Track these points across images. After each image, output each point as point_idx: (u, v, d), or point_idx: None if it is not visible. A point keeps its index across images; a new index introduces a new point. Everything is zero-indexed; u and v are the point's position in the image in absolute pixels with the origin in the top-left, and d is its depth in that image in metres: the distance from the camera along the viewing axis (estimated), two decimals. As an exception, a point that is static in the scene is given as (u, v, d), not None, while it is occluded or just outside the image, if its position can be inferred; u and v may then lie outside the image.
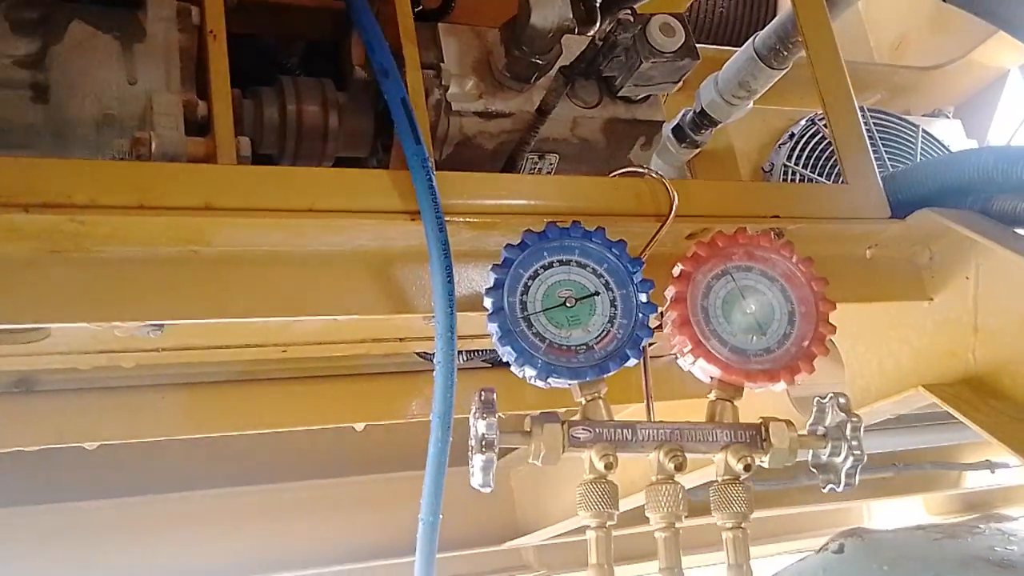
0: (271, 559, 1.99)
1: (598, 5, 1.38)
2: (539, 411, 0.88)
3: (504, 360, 0.91)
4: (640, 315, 0.91)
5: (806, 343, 0.93)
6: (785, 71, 2.05)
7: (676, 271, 0.94)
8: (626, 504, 0.98)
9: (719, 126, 2.30)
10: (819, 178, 2.50)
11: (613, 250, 0.93)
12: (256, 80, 1.20)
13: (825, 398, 0.94)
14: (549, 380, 0.88)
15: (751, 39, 2.09)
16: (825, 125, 2.46)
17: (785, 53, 2.02)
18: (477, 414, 0.85)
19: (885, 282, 1.20)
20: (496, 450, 0.84)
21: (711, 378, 0.92)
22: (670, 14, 1.16)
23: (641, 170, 1.04)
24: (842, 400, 0.92)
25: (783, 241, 0.98)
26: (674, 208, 1.02)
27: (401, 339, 1.24)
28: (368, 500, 2.01)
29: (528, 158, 1.20)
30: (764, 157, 2.59)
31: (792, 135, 2.51)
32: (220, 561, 1.95)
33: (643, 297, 0.92)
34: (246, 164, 0.97)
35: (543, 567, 2.34)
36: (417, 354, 1.39)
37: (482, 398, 0.85)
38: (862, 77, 2.71)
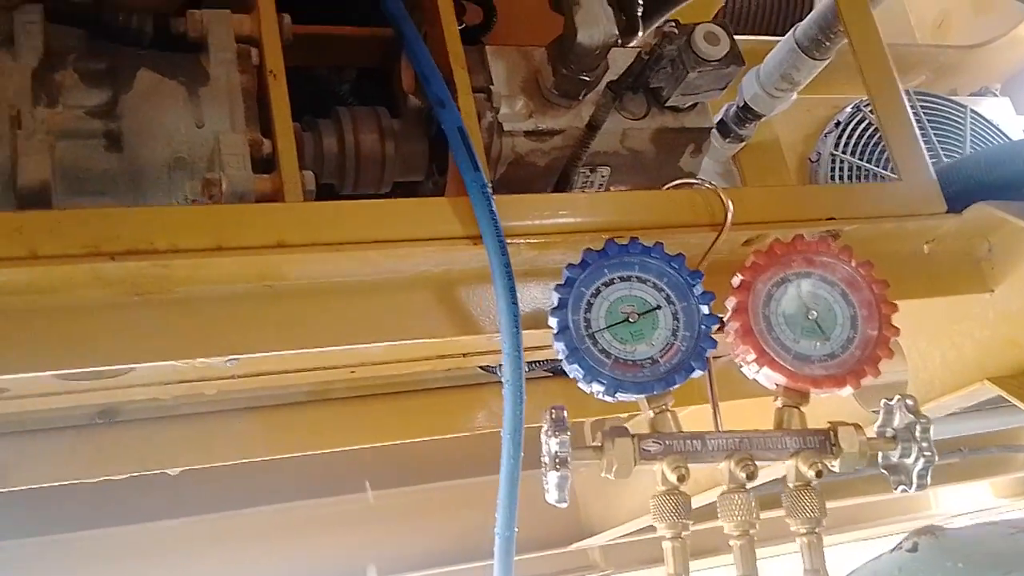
0: (348, 567, 2.04)
1: (639, 15, 1.40)
2: (603, 419, 0.91)
3: (571, 376, 0.93)
4: (702, 326, 0.93)
5: (870, 346, 0.93)
6: (828, 61, 2.04)
7: (736, 281, 0.96)
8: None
9: (763, 119, 2.30)
10: (868, 165, 2.49)
11: (672, 264, 0.95)
12: (309, 109, 1.23)
13: (892, 400, 0.94)
14: (617, 395, 0.90)
15: (792, 30, 2.09)
16: (871, 111, 2.45)
17: (827, 43, 2.01)
18: (549, 432, 0.87)
19: (945, 276, 1.20)
20: (570, 467, 0.86)
21: (776, 385, 0.94)
22: (713, 22, 1.17)
23: (694, 181, 1.06)
24: (910, 402, 0.92)
25: (842, 246, 0.98)
26: (729, 217, 1.03)
27: (464, 355, 1.27)
28: (438, 507, 2.05)
29: (580, 172, 1.22)
30: (810, 147, 2.58)
31: (838, 123, 2.50)
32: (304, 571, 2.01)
33: (704, 309, 0.94)
34: (311, 198, 1.01)
35: (610, 567, 2.36)
36: (480, 367, 1.42)
37: (553, 416, 0.88)
38: (905, 58, 2.68)
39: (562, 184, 1.22)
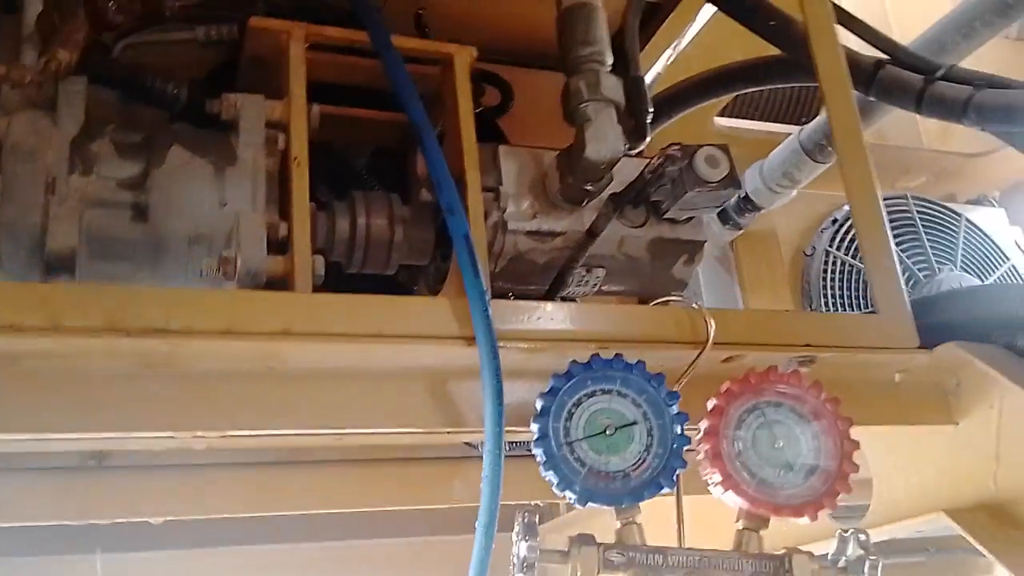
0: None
1: (648, 122, 1.47)
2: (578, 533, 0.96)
3: (546, 480, 0.98)
4: (674, 445, 0.99)
5: (831, 480, 0.99)
6: (829, 165, 2.12)
7: (710, 405, 1.01)
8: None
9: (762, 211, 2.37)
10: (860, 264, 2.56)
11: (652, 382, 1.01)
12: (324, 178, 1.30)
13: (848, 532, 1.00)
14: (588, 504, 0.95)
15: (797, 132, 2.17)
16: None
17: (829, 148, 2.09)
18: (519, 535, 0.93)
19: (912, 406, 1.26)
20: (536, 571, 0.91)
21: (739, 508, 0.99)
22: (715, 145, 1.24)
23: (680, 298, 1.12)
24: (862, 536, 0.98)
25: (812, 381, 1.04)
26: (711, 337, 1.09)
27: (450, 431, 1.32)
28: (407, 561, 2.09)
29: (576, 271, 1.28)
30: (807, 240, 2.66)
31: (835, 220, 2.58)
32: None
33: (678, 428, 0.99)
34: (319, 282, 1.07)
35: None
36: (465, 443, 1.48)
37: (525, 520, 0.93)
38: (907, 161, 2.76)
39: (558, 281, 1.28)
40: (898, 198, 2.61)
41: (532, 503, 1.13)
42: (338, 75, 1.27)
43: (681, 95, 1.75)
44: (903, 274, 1.29)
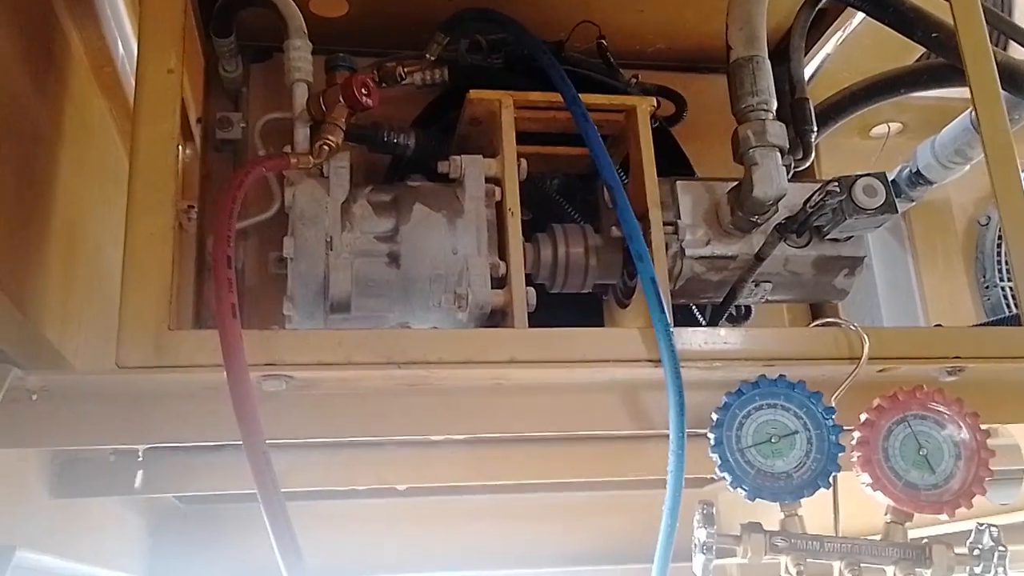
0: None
1: (813, 141, 1.63)
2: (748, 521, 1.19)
3: (720, 478, 1.21)
4: (831, 452, 1.19)
5: (968, 483, 1.16)
6: (1002, 142, 2.16)
7: (863, 418, 1.20)
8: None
9: (935, 185, 2.44)
10: (1037, 234, 2.56)
11: (811, 400, 1.21)
12: (524, 200, 1.54)
13: (983, 525, 1.17)
14: (756, 499, 1.18)
15: (969, 110, 2.22)
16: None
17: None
18: (699, 523, 1.16)
19: (1061, 403, 1.39)
20: (714, 553, 1.15)
21: (887, 505, 1.18)
22: (872, 175, 1.39)
23: (840, 321, 1.30)
24: (994, 531, 1.15)
25: (953, 398, 1.21)
26: (865, 354, 1.26)
27: (640, 433, 1.56)
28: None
29: (747, 286, 1.48)
30: (981, 210, 2.69)
31: (1011, 189, 2.58)
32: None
33: (833, 438, 1.19)
34: (531, 309, 1.32)
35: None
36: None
37: (704, 511, 1.17)
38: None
39: (730, 297, 1.48)
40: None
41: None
42: (540, 125, 1.50)
43: (845, 101, 1.87)
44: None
